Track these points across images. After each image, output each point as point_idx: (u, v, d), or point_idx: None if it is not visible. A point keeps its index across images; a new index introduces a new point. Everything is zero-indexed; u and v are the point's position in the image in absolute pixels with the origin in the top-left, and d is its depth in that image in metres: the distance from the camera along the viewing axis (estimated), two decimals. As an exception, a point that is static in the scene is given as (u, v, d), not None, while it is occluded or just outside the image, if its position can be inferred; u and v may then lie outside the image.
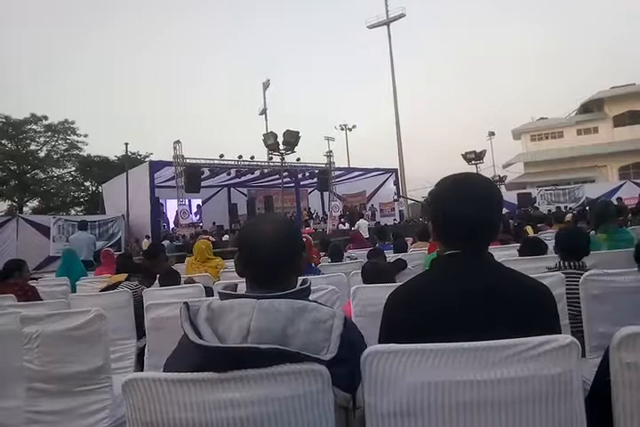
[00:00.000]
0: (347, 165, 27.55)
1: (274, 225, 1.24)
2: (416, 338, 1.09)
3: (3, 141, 29.66)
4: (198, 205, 23.10)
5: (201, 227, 20.81)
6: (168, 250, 8.58)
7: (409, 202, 26.19)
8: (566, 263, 2.80)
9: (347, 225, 19.88)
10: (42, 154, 31.20)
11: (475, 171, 24.20)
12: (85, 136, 31.74)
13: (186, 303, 1.12)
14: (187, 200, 18.54)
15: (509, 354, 1.02)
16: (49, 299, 4.11)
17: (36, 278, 5.63)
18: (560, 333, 1.21)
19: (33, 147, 30.99)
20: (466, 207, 1.24)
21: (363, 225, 14.75)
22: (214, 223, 22.32)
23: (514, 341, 1.03)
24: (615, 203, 8.82)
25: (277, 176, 19.85)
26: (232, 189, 24.93)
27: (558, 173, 36.84)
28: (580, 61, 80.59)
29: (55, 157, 31.64)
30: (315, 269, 4.23)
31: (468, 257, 1.28)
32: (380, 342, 1.28)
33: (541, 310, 1.23)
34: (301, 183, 24.36)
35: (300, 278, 1.29)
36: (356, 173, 25.11)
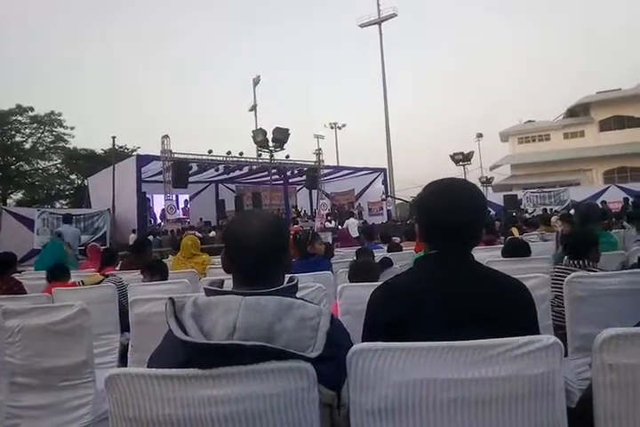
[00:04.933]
0: (336, 164, 27.52)
1: (260, 221, 1.23)
2: (396, 335, 1.11)
3: (-13, 133, 29.23)
4: (186, 201, 22.96)
5: (188, 222, 20.68)
6: (153, 245, 8.53)
7: (397, 202, 26.23)
8: (572, 262, 2.80)
9: (332, 223, 19.88)
10: (27, 146, 30.72)
11: (462, 172, 24.43)
12: (72, 129, 31.32)
13: (171, 299, 1.11)
14: (174, 195, 18.39)
15: (493, 353, 1.03)
16: (32, 292, 4.06)
17: (20, 271, 5.55)
18: (537, 329, 1.24)
19: (18, 138, 30.51)
20: (447, 211, 1.28)
21: (352, 224, 14.73)
22: (201, 219, 22.18)
23: (498, 340, 1.04)
24: (600, 206, 8.90)
25: (266, 173, 19.83)
26: (220, 185, 24.80)
27: (544, 175, 37.09)
28: (567, 66, 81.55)
29: (41, 149, 31.17)
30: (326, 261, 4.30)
31: (447, 257, 1.32)
32: (362, 338, 1.30)
33: (519, 307, 1.26)
34: (290, 181, 24.36)
35: (288, 276, 1.29)
36: (345, 172, 25.14)
